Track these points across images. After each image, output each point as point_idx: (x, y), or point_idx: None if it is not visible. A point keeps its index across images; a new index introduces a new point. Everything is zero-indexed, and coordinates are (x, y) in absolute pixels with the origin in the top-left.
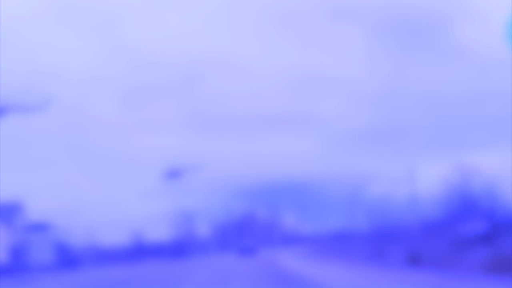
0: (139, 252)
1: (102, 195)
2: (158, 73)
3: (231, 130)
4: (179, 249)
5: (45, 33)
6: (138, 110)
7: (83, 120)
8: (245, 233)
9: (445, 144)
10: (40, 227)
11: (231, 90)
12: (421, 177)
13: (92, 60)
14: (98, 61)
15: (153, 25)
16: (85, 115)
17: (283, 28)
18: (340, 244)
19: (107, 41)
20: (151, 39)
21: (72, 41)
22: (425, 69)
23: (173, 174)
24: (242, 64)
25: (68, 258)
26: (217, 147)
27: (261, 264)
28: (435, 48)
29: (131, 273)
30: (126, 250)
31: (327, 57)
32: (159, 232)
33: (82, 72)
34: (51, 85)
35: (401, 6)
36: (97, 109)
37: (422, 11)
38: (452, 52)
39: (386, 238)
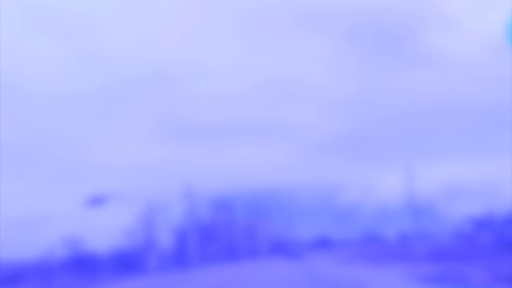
0: (112, 264)
1: (69, 206)
2: (127, 81)
3: (202, 138)
4: (146, 261)
5: (10, 40)
6: (107, 119)
7: (49, 129)
8: (217, 241)
9: (416, 151)
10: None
11: (201, 98)
12: (391, 184)
13: (59, 68)
14: (66, 69)
15: (122, 33)
16: (51, 124)
17: (254, 36)
18: (323, 249)
19: (75, 49)
20: (119, 47)
21: (38, 49)
22: (396, 77)
23: (142, 182)
24: (213, 72)
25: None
26: (188, 156)
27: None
28: (407, 56)
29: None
30: (94, 262)
31: (299, 65)
32: (129, 242)
33: (48, 80)
34: (16, 93)
35: (372, 14)
36: (64, 118)
37: (393, 19)
38: (422, 60)
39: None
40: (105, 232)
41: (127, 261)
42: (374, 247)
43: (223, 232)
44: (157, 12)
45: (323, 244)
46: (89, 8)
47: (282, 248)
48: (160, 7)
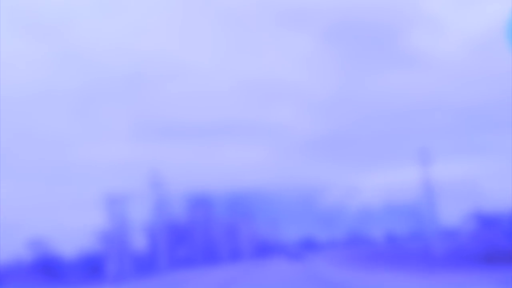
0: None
1: (44, 207)
2: (109, 81)
3: (183, 138)
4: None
5: None
6: (88, 119)
7: (25, 129)
8: (197, 243)
9: (399, 152)
10: None
11: (182, 97)
12: (375, 185)
13: (35, 66)
14: (41, 67)
15: (103, 32)
16: (27, 123)
17: (234, 35)
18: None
19: (51, 46)
20: (100, 46)
21: (17, 49)
22: (379, 77)
23: (122, 184)
24: (193, 71)
25: None
26: (168, 156)
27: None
28: (390, 56)
29: None
30: (60, 266)
31: (280, 64)
32: (101, 246)
33: (23, 79)
34: None
35: (355, 13)
36: (41, 117)
37: (376, 18)
38: (406, 59)
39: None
40: (75, 234)
41: (97, 266)
42: (359, 249)
43: (202, 234)
44: (139, 11)
45: (308, 245)
46: (69, 7)
47: (265, 250)
48: (142, 6)
